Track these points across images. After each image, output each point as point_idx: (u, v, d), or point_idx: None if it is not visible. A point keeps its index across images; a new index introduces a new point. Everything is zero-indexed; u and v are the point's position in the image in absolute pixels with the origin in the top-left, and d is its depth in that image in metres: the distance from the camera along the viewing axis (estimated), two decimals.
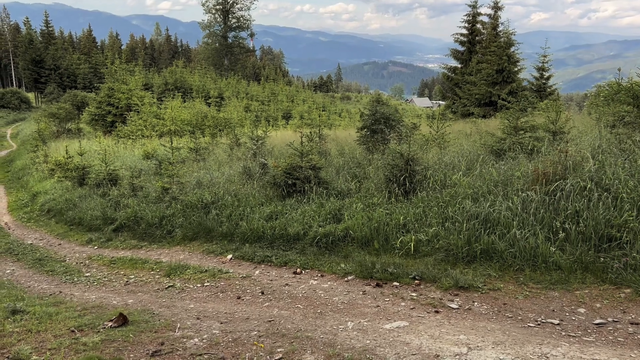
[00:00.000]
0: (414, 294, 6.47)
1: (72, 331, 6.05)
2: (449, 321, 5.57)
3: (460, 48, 34.90)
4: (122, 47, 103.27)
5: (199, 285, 7.99)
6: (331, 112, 58.85)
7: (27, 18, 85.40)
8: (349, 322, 5.69)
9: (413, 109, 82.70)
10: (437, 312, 5.89)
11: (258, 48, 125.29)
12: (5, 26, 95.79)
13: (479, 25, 33.98)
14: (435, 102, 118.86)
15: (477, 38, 34.06)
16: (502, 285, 6.41)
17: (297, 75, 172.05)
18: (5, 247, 13.12)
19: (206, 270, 8.56)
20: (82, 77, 76.89)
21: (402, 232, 7.89)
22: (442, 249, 7.31)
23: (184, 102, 38.19)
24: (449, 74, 35.36)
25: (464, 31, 34.33)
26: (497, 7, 31.68)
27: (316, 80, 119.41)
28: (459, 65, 34.93)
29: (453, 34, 34.75)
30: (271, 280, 7.76)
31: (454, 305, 6.01)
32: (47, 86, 71.91)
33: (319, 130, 16.21)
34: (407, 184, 8.96)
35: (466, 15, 34.15)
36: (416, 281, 6.80)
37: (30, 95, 78.17)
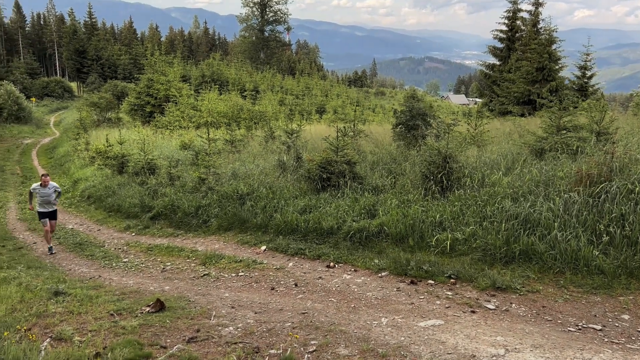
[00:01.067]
0: (449, 293, 6.39)
1: (112, 315, 6.23)
2: (485, 322, 5.47)
3: (499, 45, 34.13)
4: (162, 39, 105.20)
5: (233, 274, 8.09)
6: (365, 107, 58.54)
7: (71, 9, 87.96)
8: (383, 318, 5.66)
9: (448, 106, 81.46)
10: (473, 312, 5.80)
11: (294, 42, 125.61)
12: (51, 17, 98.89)
13: (519, 22, 33.14)
14: (471, 99, 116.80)
15: (516, 35, 33.25)
16: (541, 288, 6.26)
17: (331, 69, 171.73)
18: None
19: (241, 260, 8.67)
20: (122, 67, 78.68)
21: (438, 230, 7.79)
22: (479, 249, 7.18)
23: (220, 94, 38.63)
24: (487, 71, 34.65)
25: (504, 28, 33.57)
26: (538, 4, 30.83)
27: (351, 75, 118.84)
28: (498, 63, 34.18)
29: (492, 31, 34.02)
30: (304, 272, 7.79)
31: (490, 306, 5.91)
32: (89, 76, 73.91)
33: (353, 125, 16.15)
34: (445, 181, 8.84)
35: (506, 11, 33.37)
36: (452, 280, 6.71)
37: (73, 85, 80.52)
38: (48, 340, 5.26)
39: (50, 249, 11.45)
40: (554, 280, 6.38)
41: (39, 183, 11.75)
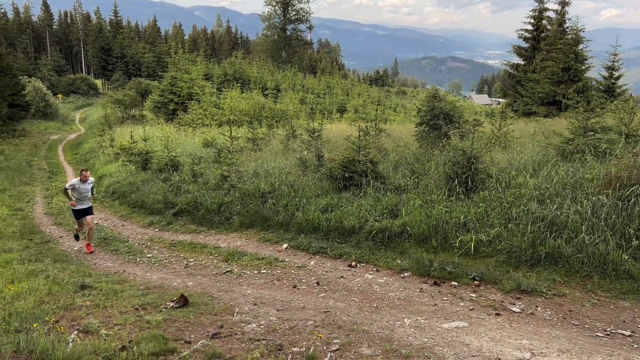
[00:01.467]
0: (473, 295, 6.32)
1: (136, 309, 6.32)
2: (510, 325, 5.41)
3: (524, 44, 33.60)
4: (185, 38, 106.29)
5: (255, 272, 8.14)
6: (386, 106, 58.29)
7: (97, 8, 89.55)
8: (406, 319, 5.64)
9: (471, 106, 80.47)
10: (498, 314, 5.73)
11: (315, 41, 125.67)
12: (77, 15, 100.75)
13: (544, 22, 32.58)
14: (494, 99, 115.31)
15: (542, 35, 32.69)
16: (567, 292, 6.16)
17: (353, 68, 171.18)
18: (74, 226, 13.85)
19: (263, 258, 8.71)
20: (146, 65, 79.75)
21: (462, 231, 7.72)
22: (503, 251, 7.10)
23: (242, 92, 38.87)
24: (511, 71, 34.14)
25: (529, 27, 33.02)
26: (564, 3, 30.26)
27: (372, 74, 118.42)
28: (522, 62, 33.64)
29: (517, 30, 33.48)
30: (326, 271, 7.79)
31: (515, 309, 5.83)
32: (113, 73, 75.13)
33: (375, 124, 16.08)
34: (469, 182, 8.75)
35: (532, 10, 32.84)
36: (476, 282, 6.64)
37: (98, 82, 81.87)
38: (75, 332, 5.36)
39: (76, 236, 11.56)
40: (581, 284, 6.27)
41: (78, 179, 11.19)
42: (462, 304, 6.10)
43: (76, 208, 11.17)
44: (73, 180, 11.31)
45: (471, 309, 5.92)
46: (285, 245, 9.37)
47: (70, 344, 4.94)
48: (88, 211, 11.36)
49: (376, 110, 18.59)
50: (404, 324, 5.50)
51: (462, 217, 7.91)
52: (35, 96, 45.15)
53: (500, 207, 7.89)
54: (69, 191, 11.25)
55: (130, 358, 4.61)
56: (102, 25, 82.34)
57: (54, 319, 5.66)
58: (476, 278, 6.71)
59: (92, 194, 11.56)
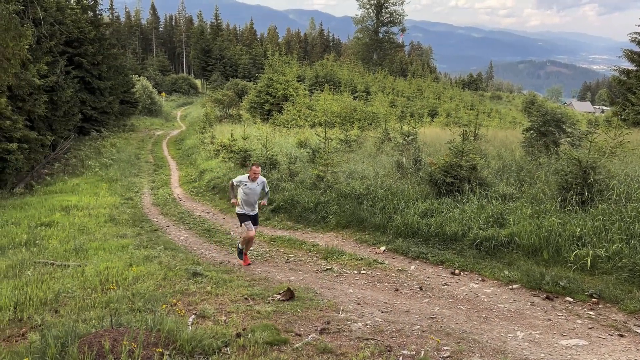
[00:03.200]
0: (591, 313, 5.93)
1: (246, 299, 6.59)
2: (637, 348, 5.02)
3: (637, 49, 30.97)
4: (279, 40, 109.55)
5: (355, 272, 8.19)
6: (480, 111, 56.31)
7: (200, 11, 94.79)
8: (519, 332, 5.41)
9: (572, 113, 75.60)
10: (621, 335, 5.34)
11: (407, 43, 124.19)
12: (181, 18, 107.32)
13: None
14: (597, 107, 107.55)
15: None
16: None
17: (444, 71, 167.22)
18: (179, 216, 14.75)
19: (361, 259, 8.75)
20: (242, 67, 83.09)
21: (577, 245, 7.27)
22: (625, 268, 6.59)
23: (332, 94, 39.32)
24: (622, 77, 31.60)
25: None
26: None
27: (465, 78, 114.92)
28: (634, 68, 31.03)
29: (630, 33, 30.89)
30: (428, 277, 7.67)
31: None
32: (212, 74, 79.00)
33: (475, 129, 15.59)
34: (586, 193, 8.22)
35: None
36: (593, 299, 6.23)
37: (198, 82, 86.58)
38: (193, 316, 5.70)
39: (240, 252, 9.18)
40: None
41: (247, 175, 8.97)
42: (579, 321, 5.75)
43: (243, 211, 8.97)
44: (240, 176, 9.13)
45: (590, 328, 5.56)
46: (383, 248, 9.35)
47: (190, 327, 5.26)
48: (254, 219, 9.11)
49: (476, 115, 17.99)
50: (516, 336, 5.28)
51: (577, 230, 7.44)
52: (143, 94, 48.62)
53: (622, 222, 7.34)
54: (237, 188, 9.06)
55: (247, 345, 4.83)
56: (203, 28, 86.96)
57: (176, 301, 6.05)
58: (594, 295, 6.29)
59: (265, 197, 9.46)
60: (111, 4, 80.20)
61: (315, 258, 9.23)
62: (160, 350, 4.40)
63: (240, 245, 9.19)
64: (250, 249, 9.68)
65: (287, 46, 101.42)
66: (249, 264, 8.99)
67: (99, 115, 32.67)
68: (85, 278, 7.38)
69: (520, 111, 63.94)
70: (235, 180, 9.00)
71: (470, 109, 52.94)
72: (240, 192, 8.91)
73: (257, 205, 9.14)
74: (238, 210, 9.05)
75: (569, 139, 11.60)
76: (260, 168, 9.05)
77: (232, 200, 9.20)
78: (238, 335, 5.07)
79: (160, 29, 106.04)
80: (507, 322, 5.79)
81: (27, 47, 12.94)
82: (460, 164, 10.43)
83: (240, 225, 9.07)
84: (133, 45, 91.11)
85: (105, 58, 33.13)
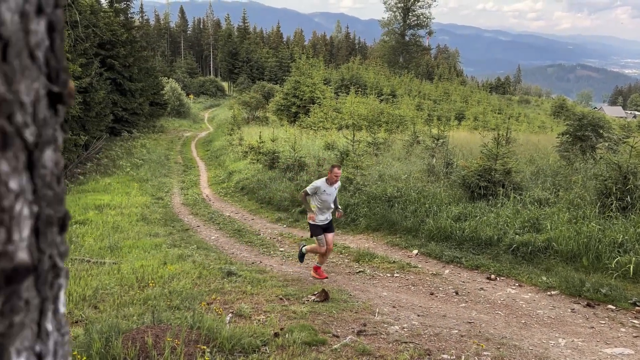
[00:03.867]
0: (636, 322, 5.78)
1: (281, 299, 6.62)
2: None
3: None
4: (305, 44, 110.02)
5: (388, 274, 8.14)
6: (507, 115, 55.52)
7: (227, 15, 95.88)
8: (560, 339, 5.30)
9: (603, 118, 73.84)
10: None
11: (434, 46, 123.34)
12: (209, 21, 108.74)
13: None
14: (629, 112, 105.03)
15: None
16: None
17: (471, 75, 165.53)
18: (208, 217, 14.90)
19: (394, 262, 8.69)
20: (269, 69, 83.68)
21: (618, 252, 7.09)
22: None
23: (359, 97, 39.27)
24: None
25: None
26: None
27: (492, 81, 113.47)
28: None
29: None
30: (463, 282, 7.58)
31: None
32: (239, 77, 79.81)
33: (506, 133, 15.37)
34: (627, 198, 8.02)
35: None
36: (637, 307, 6.06)
37: (225, 84, 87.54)
38: (230, 315, 5.74)
39: (302, 255, 8.43)
40: None
41: (324, 179, 7.65)
42: (623, 329, 5.60)
43: (315, 222, 7.68)
44: (317, 181, 7.78)
45: (635, 336, 5.41)
46: (415, 251, 9.27)
47: (228, 325, 5.30)
48: (329, 226, 7.83)
49: (508, 118, 17.73)
50: (558, 343, 5.17)
51: (619, 236, 7.26)
52: (172, 96, 49.33)
53: None
54: (310, 197, 7.73)
55: (285, 344, 4.84)
56: (230, 31, 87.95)
57: (212, 299, 6.11)
58: (637, 303, 6.12)
59: (337, 205, 7.99)
60: (141, 8, 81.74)
61: (347, 260, 9.21)
62: (203, 347, 4.44)
63: (304, 250, 8.30)
64: (326, 262, 8.30)
65: (313, 49, 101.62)
66: (326, 277, 7.86)
67: (130, 116, 33.27)
68: (121, 275, 7.51)
69: (549, 115, 62.83)
70: (309, 189, 7.65)
71: (498, 113, 52.25)
72: (314, 201, 7.66)
73: (331, 212, 7.86)
74: (311, 221, 7.76)
75: (606, 143, 11.32)
76: (341, 170, 8.04)
77: (310, 215, 7.74)
78: (276, 334, 5.09)
79: (188, 32, 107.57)
80: (547, 328, 5.67)
81: (66, 49, 13.25)
82: (495, 168, 10.29)
83: (317, 239, 7.78)
84: (162, 48, 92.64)
85: (136, 60, 33.75)
